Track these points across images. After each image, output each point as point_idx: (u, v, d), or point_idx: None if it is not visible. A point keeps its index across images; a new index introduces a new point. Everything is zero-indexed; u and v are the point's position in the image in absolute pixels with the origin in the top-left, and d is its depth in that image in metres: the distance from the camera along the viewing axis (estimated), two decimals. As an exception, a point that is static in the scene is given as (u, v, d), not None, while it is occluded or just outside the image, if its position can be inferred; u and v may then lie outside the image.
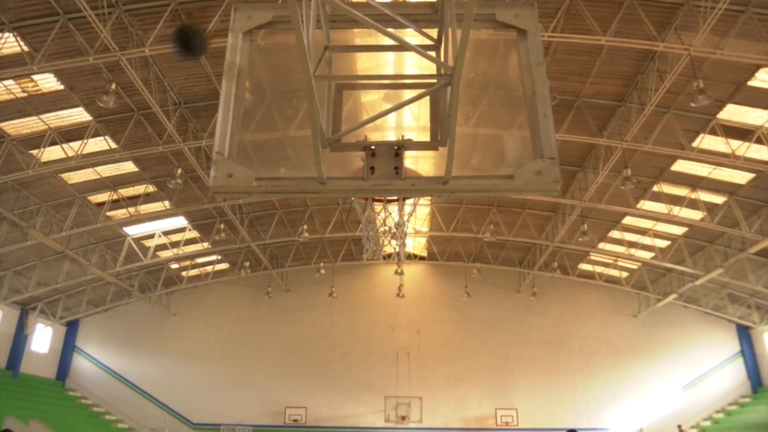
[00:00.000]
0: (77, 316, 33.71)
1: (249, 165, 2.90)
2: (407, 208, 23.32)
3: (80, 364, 34.02)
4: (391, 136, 3.26)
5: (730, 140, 18.42)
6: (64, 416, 27.03)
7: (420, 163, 3.26)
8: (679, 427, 29.34)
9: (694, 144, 19.11)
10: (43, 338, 32.23)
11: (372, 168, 2.87)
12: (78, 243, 25.51)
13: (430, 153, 3.26)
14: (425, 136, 3.30)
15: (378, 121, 3.23)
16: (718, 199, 22.14)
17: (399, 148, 2.89)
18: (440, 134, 3.00)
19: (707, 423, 30.43)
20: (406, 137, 3.04)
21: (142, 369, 33.71)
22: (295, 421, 31.98)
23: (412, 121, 3.71)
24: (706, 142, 18.98)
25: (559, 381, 32.51)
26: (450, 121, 2.63)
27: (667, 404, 31.72)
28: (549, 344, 33.28)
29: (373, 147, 2.91)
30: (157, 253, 28.60)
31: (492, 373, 32.83)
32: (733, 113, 17.84)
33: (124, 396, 33.08)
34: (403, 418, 30.96)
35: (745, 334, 32.53)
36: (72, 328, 34.25)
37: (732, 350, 32.51)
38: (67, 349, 33.96)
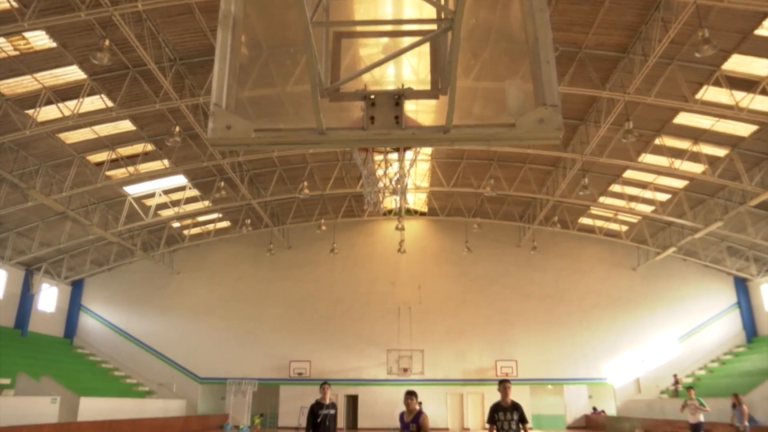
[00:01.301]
0: (82, 276, 34.10)
1: (247, 117, 2.87)
2: (408, 160, 23.29)
3: (87, 322, 34.60)
4: (391, 88, 3.21)
5: (734, 92, 18.15)
6: (73, 372, 27.64)
7: (420, 116, 3.23)
8: (675, 376, 30.03)
9: (698, 96, 18.85)
10: (49, 298, 32.68)
11: (372, 118, 2.84)
12: (79, 203, 25.54)
13: (430, 106, 3.23)
14: (426, 89, 3.25)
15: (377, 75, 3.18)
16: (720, 152, 22.01)
17: (399, 97, 2.85)
18: (441, 83, 2.96)
19: (702, 372, 31.12)
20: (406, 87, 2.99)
21: (147, 326, 34.31)
22: (300, 374, 32.73)
23: (412, 75, 3.65)
24: (710, 93, 18.72)
25: (558, 333, 33.10)
26: (451, 68, 2.59)
27: (664, 355, 32.37)
28: (548, 298, 33.71)
29: (372, 96, 2.87)
30: (158, 212, 28.69)
31: (492, 326, 33.39)
32: (738, 64, 17.53)
33: (131, 353, 33.77)
34: (405, 370, 31.64)
35: (742, 286, 32.89)
36: (77, 287, 34.68)
37: (729, 302, 32.95)
38: (74, 308, 34.49)
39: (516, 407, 7.55)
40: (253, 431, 27.61)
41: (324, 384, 9.03)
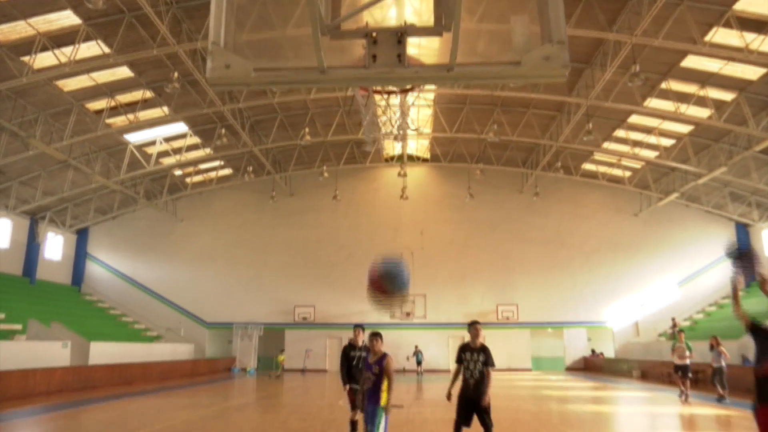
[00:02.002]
0: (86, 224, 34.34)
1: (247, 56, 2.81)
2: (409, 101, 22.97)
3: (93, 270, 35.08)
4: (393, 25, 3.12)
5: (744, 33, 17.70)
6: (83, 318, 28.22)
7: (424, 56, 3.15)
8: (673, 320, 30.55)
9: (707, 38, 18.37)
10: (55, 246, 33.02)
11: (374, 56, 2.77)
12: (80, 152, 25.46)
13: (434, 47, 3.15)
14: (429, 25, 3.17)
15: (379, 14, 3.09)
16: (727, 96, 21.64)
17: (402, 34, 2.78)
18: (444, 18, 2.87)
19: (700, 316, 31.65)
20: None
21: (153, 273, 34.79)
22: (304, 318, 33.41)
23: (415, 17, 3.55)
24: (719, 35, 18.23)
25: (559, 278, 33.51)
26: (455, 2, 2.51)
27: (663, 299, 32.85)
28: (550, 243, 33.95)
29: (374, 34, 2.80)
30: (160, 160, 28.60)
31: (494, 271, 33.79)
32: (750, 3, 16.98)
33: (139, 299, 34.39)
34: (408, 314, 32.25)
35: (743, 231, 33.00)
36: (82, 235, 34.99)
37: (729, 247, 33.10)
38: (80, 256, 34.90)
39: (483, 350, 7.63)
40: (276, 373, 27.80)
41: (357, 327, 9.07)
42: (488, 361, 7.56)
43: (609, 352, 33.07)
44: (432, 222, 34.53)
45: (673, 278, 33.09)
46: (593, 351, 33.53)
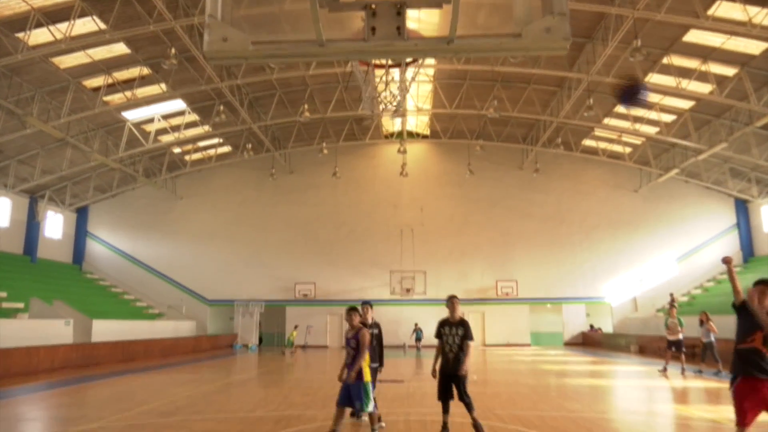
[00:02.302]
0: (86, 203, 34.32)
1: (244, 29, 2.78)
2: (409, 75, 22.74)
3: (94, 248, 35.16)
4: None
5: (747, 7, 17.48)
6: (84, 296, 28.38)
7: (422, 29, 3.12)
8: (671, 295, 30.65)
9: (710, 12, 18.15)
10: (55, 225, 33.05)
11: (373, 28, 2.74)
12: (78, 130, 25.32)
13: (433, 18, 3.11)
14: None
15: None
16: (729, 71, 21.47)
17: (401, 6, 2.74)
18: (445, -11, 2.83)
19: (698, 291, 31.83)
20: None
21: (154, 251, 34.89)
22: (305, 295, 33.60)
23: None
24: (723, 9, 18.01)
25: (558, 254, 33.63)
26: (456, -27, 2.48)
27: (662, 274, 33.00)
28: (549, 219, 34.00)
29: (373, 6, 2.76)
30: (159, 137, 28.47)
31: (493, 247, 33.90)
32: (754, -24, 16.78)
33: (140, 277, 34.53)
34: (408, 290, 32.44)
35: (742, 207, 33.04)
36: (82, 214, 34.99)
37: (728, 223, 33.22)
38: (80, 234, 34.95)
39: (462, 323, 7.59)
40: (291, 350, 27.30)
41: (365, 304, 9.00)
42: (467, 335, 7.53)
43: (607, 328, 33.36)
44: (432, 198, 34.53)
45: (671, 254, 33.21)
46: (592, 326, 33.82)
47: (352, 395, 7.06)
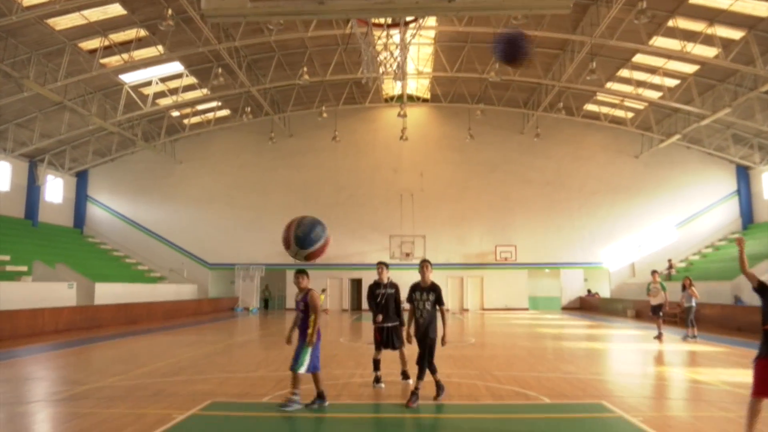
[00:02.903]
0: (85, 167, 34.24)
1: (243, -10, 2.74)
2: (409, 36, 22.38)
3: (95, 212, 35.24)
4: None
5: (756, -34, 17.11)
6: (86, 260, 28.59)
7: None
8: (670, 261, 30.94)
9: (717, -29, 17.79)
10: (55, 189, 33.05)
11: (373, -11, 2.71)
12: (75, 93, 25.08)
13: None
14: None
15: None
16: (736, 35, 21.12)
17: (401, -34, 2.70)
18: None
19: (696, 257, 32.03)
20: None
21: (154, 215, 34.99)
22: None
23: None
24: (731, -32, 17.65)
25: (557, 219, 33.74)
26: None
27: (660, 240, 33.17)
28: (549, 184, 33.98)
29: (373, -34, 2.72)
30: (157, 100, 28.21)
31: (493, 212, 33.98)
32: (764, -66, 16.35)
33: (141, 241, 34.72)
34: (408, 254, 32.64)
35: (743, 173, 32.98)
36: (82, 178, 34.95)
37: (728, 190, 33.21)
38: (80, 198, 34.99)
39: (434, 288, 7.47)
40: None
41: (380, 264, 8.90)
42: (439, 300, 7.46)
43: (605, 292, 33.69)
44: (432, 163, 34.43)
45: (671, 220, 33.31)
46: (589, 291, 34.15)
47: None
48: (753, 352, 5.35)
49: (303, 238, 5.50)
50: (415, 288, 7.56)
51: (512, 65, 4.88)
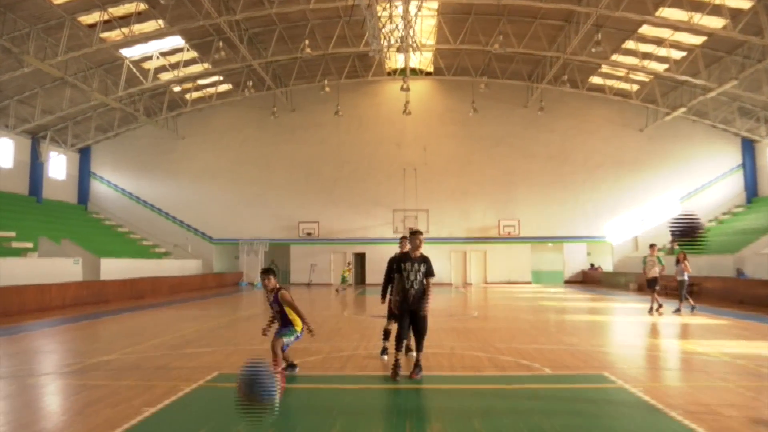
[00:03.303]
0: (88, 143, 34.20)
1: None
2: (412, 9, 22.10)
3: (98, 188, 35.32)
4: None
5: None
6: (91, 236, 28.75)
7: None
8: (673, 234, 30.94)
9: (726, -61, 17.43)
10: (58, 165, 33.08)
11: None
12: (76, 68, 24.91)
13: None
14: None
15: None
16: (744, 4, 20.78)
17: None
18: None
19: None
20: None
21: (158, 191, 35.05)
22: (309, 234, 33.97)
23: None
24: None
25: (561, 193, 33.68)
26: None
27: (664, 214, 33.11)
28: (553, 158, 33.84)
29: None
30: (158, 75, 28.03)
31: (496, 186, 33.93)
32: None
33: (145, 217, 34.86)
34: (411, 229, 32.65)
35: (749, 147, 32.78)
36: (85, 154, 34.95)
37: (733, 163, 33.05)
38: (84, 174, 35.03)
39: (424, 259, 7.46)
40: (342, 286, 27.22)
41: (403, 239, 8.70)
42: (429, 271, 7.40)
43: (607, 266, 33.81)
44: (435, 137, 34.28)
45: (674, 194, 33.22)
46: (592, 265, 34.27)
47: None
48: (754, 325, 5.40)
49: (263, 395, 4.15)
50: (405, 258, 7.46)
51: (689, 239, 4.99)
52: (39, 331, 12.86)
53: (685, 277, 15.73)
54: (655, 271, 15.75)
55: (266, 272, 7.28)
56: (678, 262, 15.96)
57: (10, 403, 6.17)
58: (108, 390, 6.67)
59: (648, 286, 16.12)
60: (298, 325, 7.16)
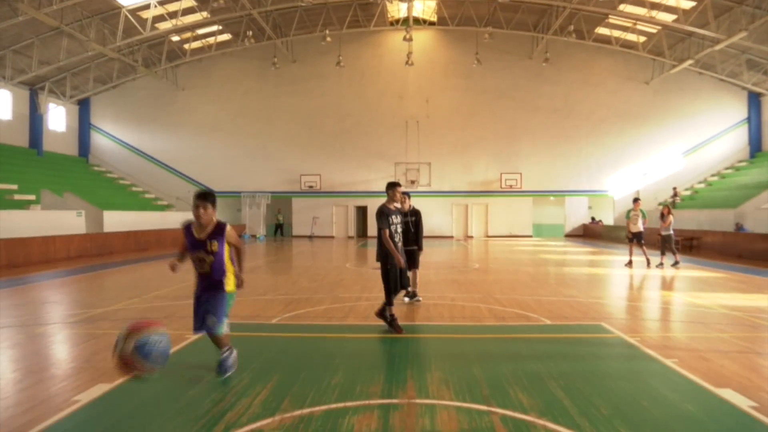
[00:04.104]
0: (86, 95, 33.82)
1: None
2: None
3: (99, 141, 35.14)
4: None
5: None
6: (93, 188, 28.77)
7: None
8: (675, 189, 30.92)
9: None
10: (58, 117, 32.82)
11: None
12: (72, 17, 24.40)
13: None
14: None
15: None
16: (758, -50, 20.14)
17: None
18: None
19: (701, 185, 31.95)
20: None
21: (159, 143, 34.89)
22: (311, 187, 33.98)
23: None
24: None
25: (564, 147, 33.46)
26: None
27: (666, 168, 33.00)
28: (557, 111, 33.47)
29: None
30: (156, 25, 27.47)
31: (499, 139, 33.69)
32: None
33: (147, 169, 34.81)
34: (413, 182, 32.70)
35: (755, 101, 32.33)
36: (84, 106, 34.62)
37: (738, 117, 32.66)
38: (84, 127, 34.79)
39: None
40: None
41: (403, 193, 8.84)
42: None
43: (608, 220, 33.91)
44: (438, 89, 33.82)
45: (678, 148, 33.00)
46: (593, 218, 34.37)
47: (202, 309, 5.13)
48: (752, 278, 5.46)
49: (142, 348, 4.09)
50: (395, 212, 7.47)
51: None
52: (44, 282, 13.05)
53: (670, 232, 15.76)
54: (638, 226, 15.83)
55: (203, 198, 5.10)
56: (662, 216, 15.95)
57: (19, 350, 6.33)
58: (114, 339, 6.83)
59: (630, 240, 16.21)
60: (231, 281, 5.30)
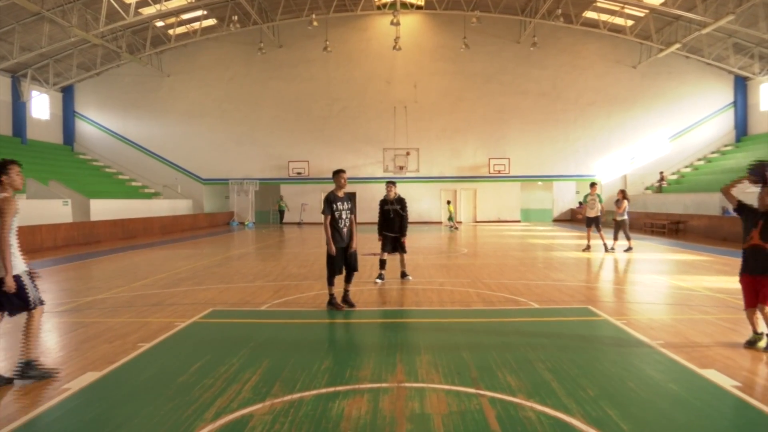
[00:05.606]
0: (70, 82, 33.30)
1: None
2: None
3: (84, 128, 34.70)
4: None
5: None
6: (79, 177, 28.47)
7: None
8: (661, 173, 31.15)
9: None
10: (41, 105, 32.34)
11: None
12: (53, 2, 23.96)
13: None
14: None
15: None
16: (744, -67, 20.15)
17: None
18: None
19: (687, 170, 32.22)
20: None
21: (145, 131, 34.53)
22: (299, 173, 33.85)
23: None
24: None
25: (552, 131, 33.55)
26: None
27: (653, 153, 33.22)
28: (545, 95, 33.50)
29: None
30: (140, 10, 27.04)
31: (487, 124, 33.70)
32: None
33: (133, 157, 34.47)
34: (401, 168, 32.67)
35: (741, 85, 32.53)
36: (68, 94, 34.12)
37: (725, 101, 32.87)
38: (68, 114, 34.33)
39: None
40: (453, 224, 28.46)
41: (389, 183, 10.20)
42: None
43: (596, 204, 34.07)
44: (426, 74, 33.70)
45: (665, 132, 33.21)
46: (580, 203, 34.52)
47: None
48: (736, 261, 5.56)
49: None
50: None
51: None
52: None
53: (625, 217, 15.76)
54: (595, 210, 15.88)
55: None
56: (618, 201, 15.96)
57: (8, 339, 6.29)
58: (103, 327, 6.81)
59: (587, 224, 16.27)
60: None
